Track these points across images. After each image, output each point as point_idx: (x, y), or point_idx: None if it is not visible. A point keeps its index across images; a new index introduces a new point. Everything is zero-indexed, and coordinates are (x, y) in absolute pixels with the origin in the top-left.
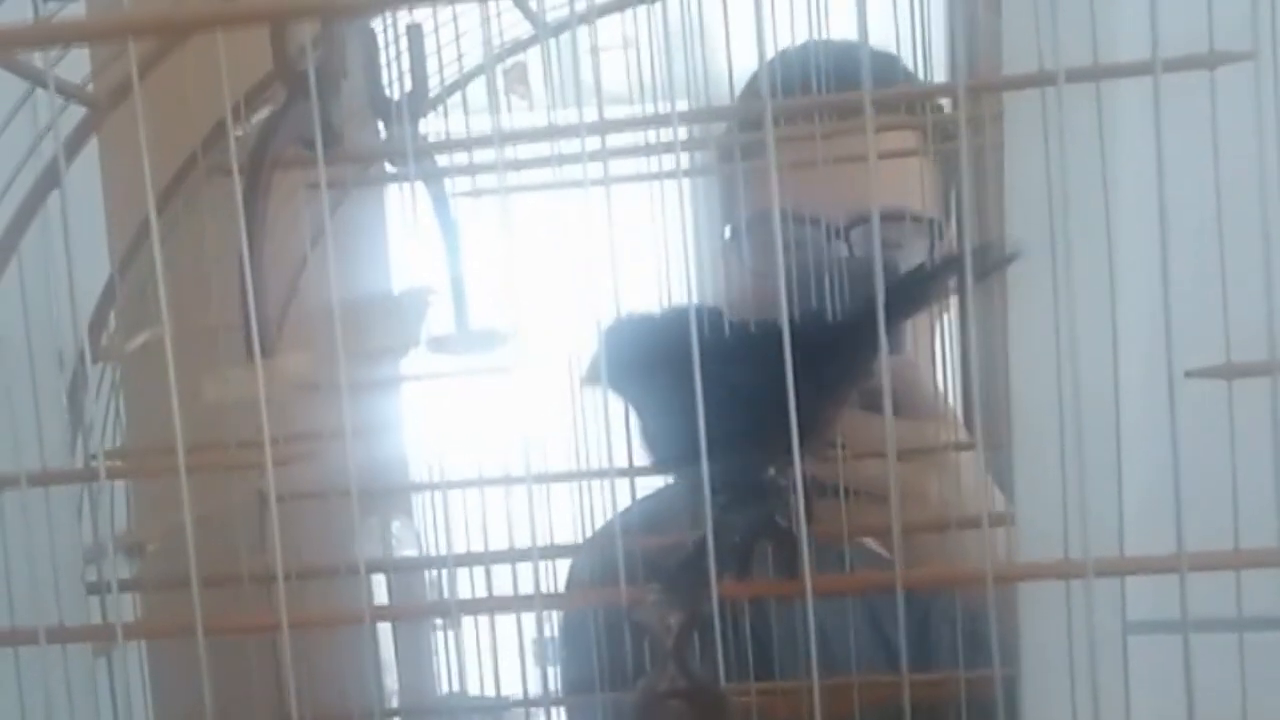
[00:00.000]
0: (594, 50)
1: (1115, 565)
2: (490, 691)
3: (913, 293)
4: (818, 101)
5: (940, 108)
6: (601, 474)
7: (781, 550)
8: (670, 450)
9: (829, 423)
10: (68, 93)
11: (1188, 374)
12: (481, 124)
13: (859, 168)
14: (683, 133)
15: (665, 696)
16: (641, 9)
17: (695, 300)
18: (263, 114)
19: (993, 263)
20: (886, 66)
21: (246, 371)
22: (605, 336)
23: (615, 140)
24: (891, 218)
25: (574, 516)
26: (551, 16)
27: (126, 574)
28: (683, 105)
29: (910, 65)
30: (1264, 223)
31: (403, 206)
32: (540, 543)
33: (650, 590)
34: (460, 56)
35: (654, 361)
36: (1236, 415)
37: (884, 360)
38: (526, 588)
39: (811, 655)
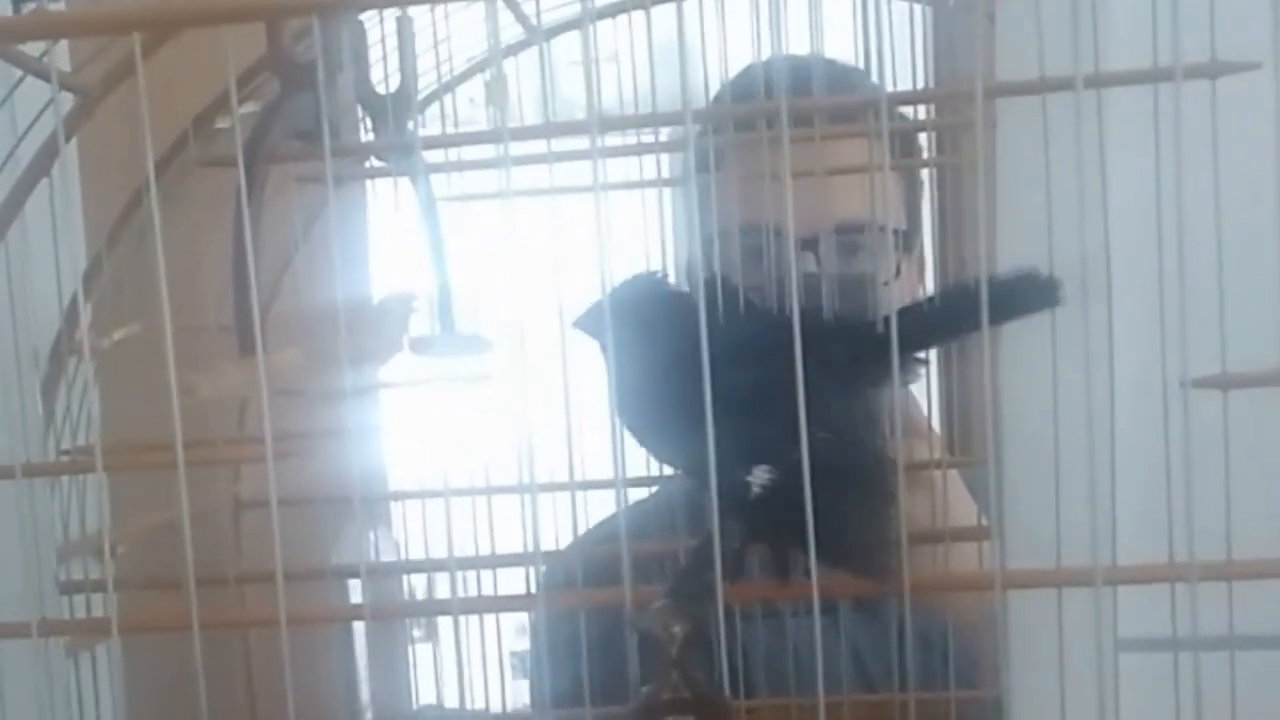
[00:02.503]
0: (586, 60)
1: (1123, 574)
2: (468, 704)
3: (928, 329)
4: (816, 105)
5: (904, 117)
6: (589, 485)
7: (776, 556)
8: (654, 437)
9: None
10: (61, 82)
11: (1192, 383)
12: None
13: (826, 179)
14: (664, 139)
15: (668, 707)
16: (625, 21)
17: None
18: (248, 107)
19: (1032, 302)
20: (854, 80)
21: (240, 368)
22: (618, 289)
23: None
24: (856, 228)
25: (550, 524)
26: (539, 23)
27: (97, 575)
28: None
29: (877, 77)
30: (1278, 234)
31: (388, 207)
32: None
33: (654, 597)
34: (445, 60)
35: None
36: (1233, 425)
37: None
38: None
39: (817, 668)
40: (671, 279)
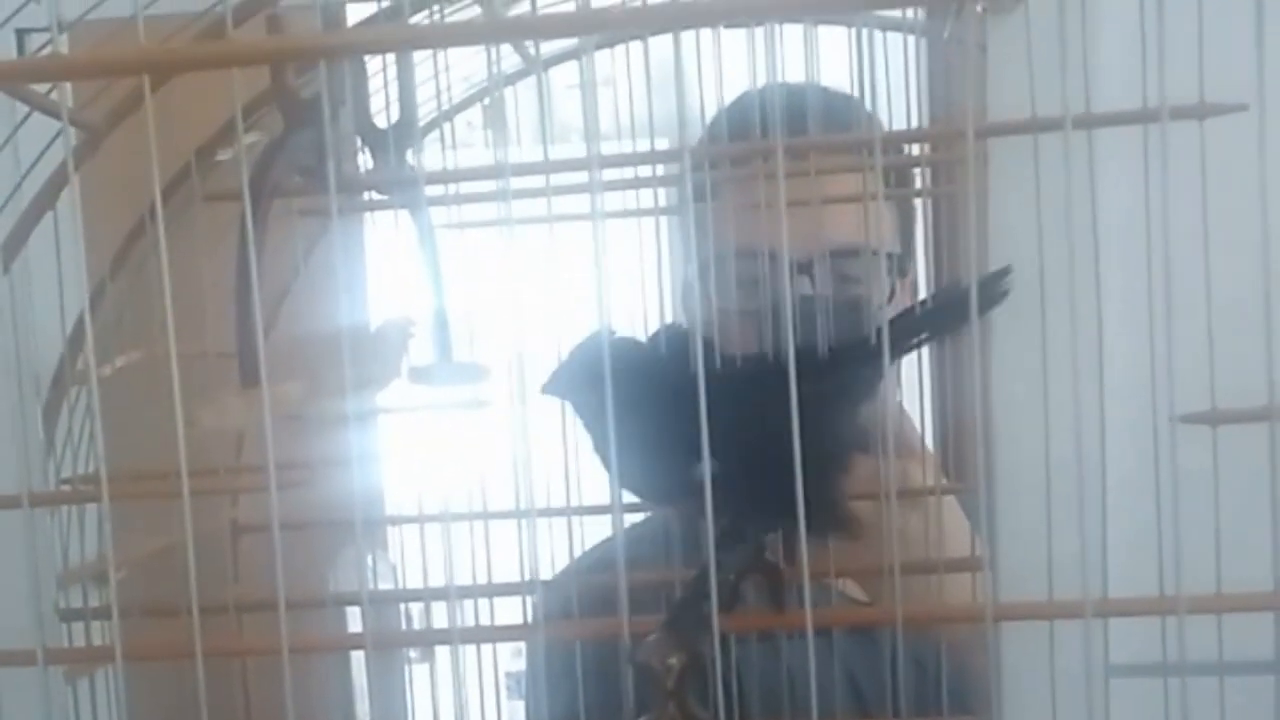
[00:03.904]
0: (584, 91)
1: (1112, 606)
2: None
3: (908, 332)
4: (812, 143)
5: (901, 150)
6: (586, 510)
7: (772, 585)
8: (642, 480)
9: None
10: (71, 120)
11: (1181, 419)
12: (463, 159)
13: (820, 205)
14: (660, 170)
15: None
16: (621, 48)
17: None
18: (250, 138)
19: (986, 299)
20: (848, 108)
21: (242, 399)
22: (577, 351)
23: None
24: (851, 253)
25: (547, 550)
26: (537, 54)
27: (94, 602)
28: (662, 143)
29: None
30: (1265, 272)
31: (387, 237)
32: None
33: (650, 628)
34: (445, 90)
35: (633, 393)
36: (1227, 460)
37: (888, 406)
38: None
39: (810, 693)
40: (624, 333)
